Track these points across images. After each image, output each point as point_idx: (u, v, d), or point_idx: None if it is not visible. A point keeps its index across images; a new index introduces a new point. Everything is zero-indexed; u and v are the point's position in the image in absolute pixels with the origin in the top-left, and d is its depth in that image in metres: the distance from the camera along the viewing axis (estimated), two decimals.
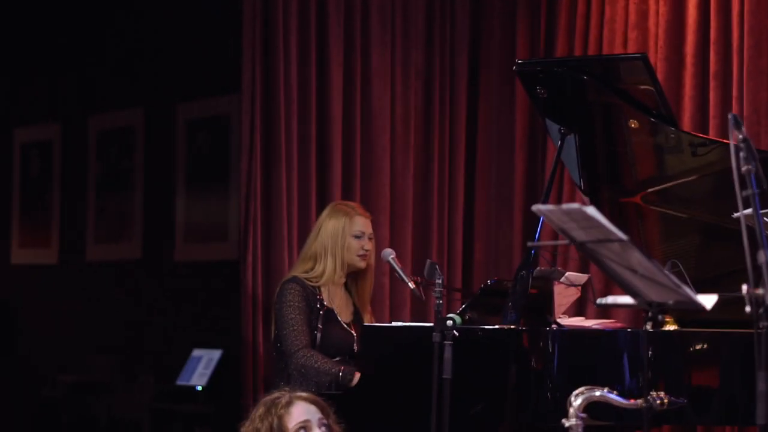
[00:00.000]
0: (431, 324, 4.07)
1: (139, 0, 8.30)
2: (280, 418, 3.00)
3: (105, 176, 8.58)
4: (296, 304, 4.71)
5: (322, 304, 4.76)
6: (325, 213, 4.94)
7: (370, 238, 4.87)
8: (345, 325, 4.81)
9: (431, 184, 6.25)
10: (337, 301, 4.85)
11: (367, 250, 4.84)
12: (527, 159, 6.19)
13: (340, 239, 4.81)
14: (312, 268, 4.82)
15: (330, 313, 4.79)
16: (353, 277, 4.92)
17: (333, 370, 4.56)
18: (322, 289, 4.80)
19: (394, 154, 6.13)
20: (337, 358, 4.70)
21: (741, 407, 4.26)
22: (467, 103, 6.37)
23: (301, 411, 3.03)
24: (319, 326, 4.73)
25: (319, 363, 4.60)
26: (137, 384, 7.80)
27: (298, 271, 4.84)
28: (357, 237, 4.83)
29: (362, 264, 4.85)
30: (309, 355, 4.64)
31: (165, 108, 8.09)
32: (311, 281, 4.79)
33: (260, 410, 3.05)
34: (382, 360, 4.39)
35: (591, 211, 2.62)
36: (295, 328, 4.69)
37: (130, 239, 8.35)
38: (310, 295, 4.75)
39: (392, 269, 4.79)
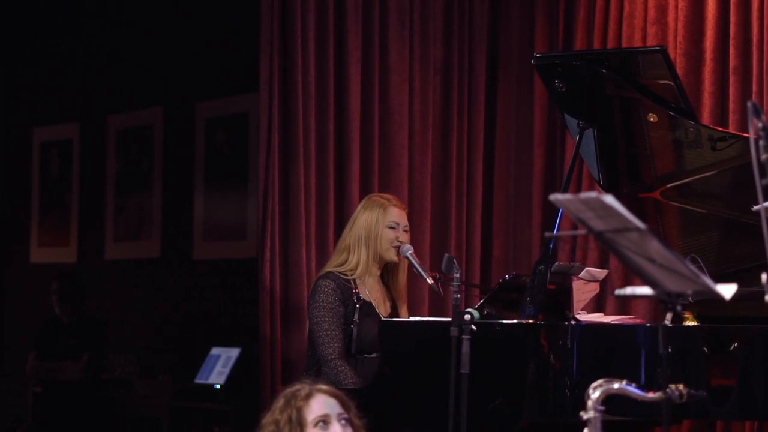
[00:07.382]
0: (449, 319, 4.05)
1: None
2: (299, 410, 2.96)
3: (124, 175, 8.60)
4: (328, 304, 4.63)
5: (358, 298, 4.67)
6: (360, 205, 4.89)
7: (405, 230, 4.80)
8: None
9: (449, 180, 6.22)
10: (374, 294, 4.78)
11: (401, 242, 4.76)
12: (546, 155, 6.16)
13: (374, 230, 4.74)
14: (346, 260, 4.74)
15: (368, 307, 4.71)
16: (388, 271, 4.87)
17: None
18: (358, 281, 4.73)
19: (412, 151, 6.11)
20: (374, 354, 4.63)
21: (760, 402, 4.23)
22: (486, 99, 6.35)
23: (321, 404, 2.98)
24: (356, 320, 4.64)
25: (347, 381, 4.50)
26: (156, 382, 7.80)
27: (332, 265, 4.77)
28: (391, 228, 4.75)
29: (396, 256, 4.78)
30: (340, 370, 4.55)
31: (184, 106, 8.10)
32: (345, 274, 4.72)
33: (280, 402, 3.00)
34: (400, 355, 4.37)
35: (609, 199, 2.60)
36: (327, 333, 4.61)
37: (148, 238, 8.36)
38: (345, 289, 4.67)
39: (411, 265, 4.76)
